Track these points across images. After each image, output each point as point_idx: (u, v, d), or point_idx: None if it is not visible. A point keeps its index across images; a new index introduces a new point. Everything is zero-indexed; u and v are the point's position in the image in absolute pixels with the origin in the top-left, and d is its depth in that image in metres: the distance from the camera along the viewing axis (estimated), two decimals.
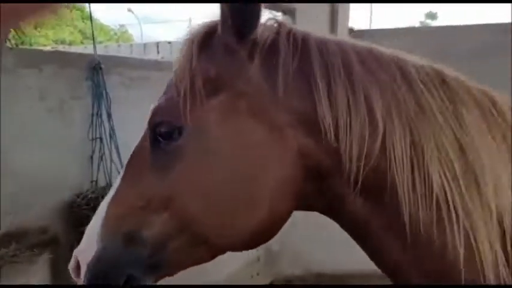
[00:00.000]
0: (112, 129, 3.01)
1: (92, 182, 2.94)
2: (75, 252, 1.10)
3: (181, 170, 1.02)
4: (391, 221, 0.98)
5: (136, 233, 1.04)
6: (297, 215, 1.12)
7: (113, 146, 3.02)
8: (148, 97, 1.24)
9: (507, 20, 4.57)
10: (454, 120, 0.97)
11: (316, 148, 1.00)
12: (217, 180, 1.01)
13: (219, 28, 1.03)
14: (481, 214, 0.93)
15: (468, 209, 0.93)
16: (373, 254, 1.07)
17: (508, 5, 4.54)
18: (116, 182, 1.12)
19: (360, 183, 0.98)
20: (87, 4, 3.87)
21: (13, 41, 3.00)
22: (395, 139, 0.96)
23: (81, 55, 3.01)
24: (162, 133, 1.04)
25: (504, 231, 0.94)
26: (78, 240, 1.14)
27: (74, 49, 10.55)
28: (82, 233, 1.12)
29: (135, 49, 8.63)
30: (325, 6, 4.70)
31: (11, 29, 0.46)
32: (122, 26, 23.11)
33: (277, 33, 1.04)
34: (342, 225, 1.10)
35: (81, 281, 1.07)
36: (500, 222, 0.94)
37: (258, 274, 4.23)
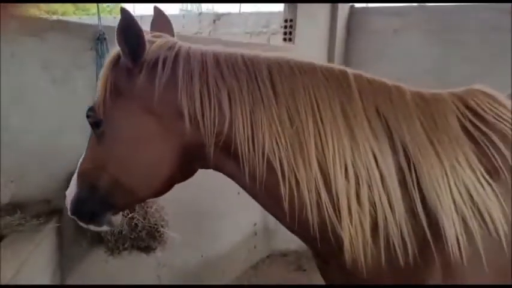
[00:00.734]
0: None
1: None
2: (66, 193, 1.65)
3: (105, 146, 1.51)
4: (240, 172, 1.41)
5: (94, 183, 1.54)
6: None
7: None
8: None
9: None
10: (289, 101, 1.33)
11: (188, 130, 1.40)
12: (124, 154, 1.47)
13: (121, 53, 1.44)
14: (303, 166, 1.30)
15: (292, 163, 1.31)
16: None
17: None
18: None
19: (218, 149, 1.41)
20: None
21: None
22: (239, 121, 1.34)
23: (84, 25, 2.94)
24: (91, 123, 1.53)
25: (326, 179, 1.30)
26: None
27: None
28: None
29: None
30: None
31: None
32: None
33: (160, 51, 1.43)
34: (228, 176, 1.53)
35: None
36: (324, 172, 1.30)
37: (255, 247, 4.31)
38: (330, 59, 5.20)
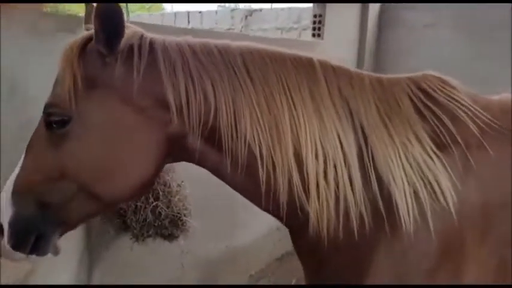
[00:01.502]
0: None
1: None
2: (1, 221, 1.37)
3: (72, 146, 1.33)
4: (223, 163, 1.43)
5: (41, 199, 1.35)
6: None
7: None
8: None
9: None
10: (265, 88, 1.37)
11: (174, 121, 1.37)
12: (99, 153, 1.34)
13: (94, 39, 1.33)
14: (279, 150, 1.36)
15: (270, 148, 1.36)
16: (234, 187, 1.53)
17: None
18: (20, 162, 1.39)
19: (203, 139, 1.41)
20: None
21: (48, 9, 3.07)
22: (222, 110, 1.36)
23: None
24: (54, 121, 1.34)
25: (299, 161, 1.36)
26: None
27: None
28: None
29: (166, 18, 8.65)
30: None
31: None
32: None
33: (133, 40, 1.37)
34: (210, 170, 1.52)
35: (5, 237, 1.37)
36: (297, 154, 1.36)
37: (279, 240, 4.36)
38: (360, 54, 5.15)
